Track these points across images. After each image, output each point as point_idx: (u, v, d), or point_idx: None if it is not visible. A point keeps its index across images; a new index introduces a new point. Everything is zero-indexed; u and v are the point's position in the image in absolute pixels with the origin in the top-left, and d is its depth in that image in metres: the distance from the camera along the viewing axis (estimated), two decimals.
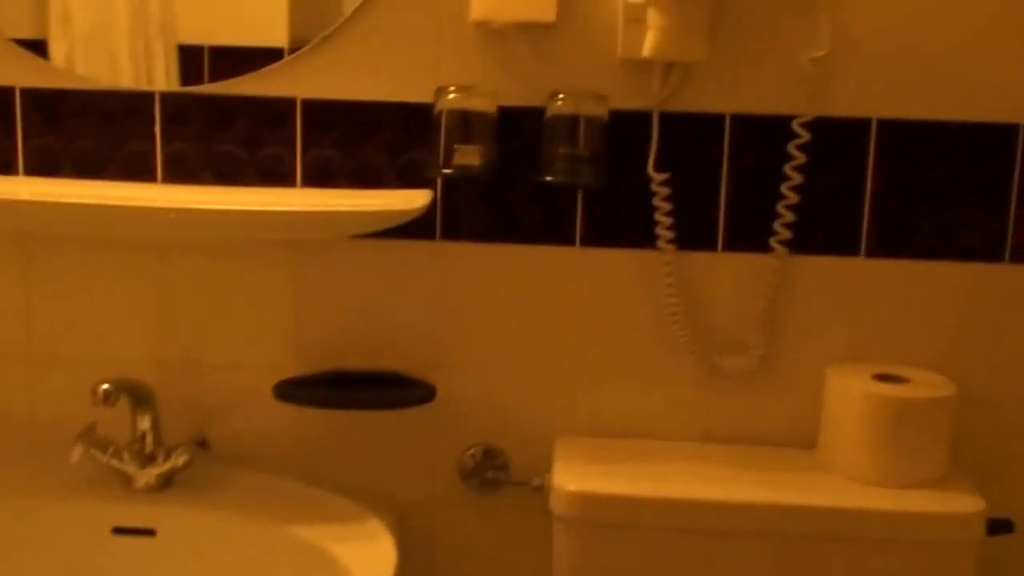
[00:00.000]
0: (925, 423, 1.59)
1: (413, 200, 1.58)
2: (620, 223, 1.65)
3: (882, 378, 1.62)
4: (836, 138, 1.61)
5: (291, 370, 1.69)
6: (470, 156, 1.59)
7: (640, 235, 1.65)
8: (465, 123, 1.59)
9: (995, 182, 1.62)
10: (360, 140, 1.63)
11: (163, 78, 1.63)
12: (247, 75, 1.62)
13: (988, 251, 1.64)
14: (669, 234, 1.64)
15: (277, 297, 1.69)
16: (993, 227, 1.63)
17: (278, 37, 1.62)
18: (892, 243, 1.64)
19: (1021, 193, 1.62)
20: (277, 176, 1.64)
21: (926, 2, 1.58)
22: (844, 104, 1.61)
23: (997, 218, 1.63)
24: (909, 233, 1.64)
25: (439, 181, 1.63)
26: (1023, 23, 1.58)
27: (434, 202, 1.63)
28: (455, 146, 1.59)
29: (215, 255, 1.68)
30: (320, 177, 1.64)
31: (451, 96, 1.58)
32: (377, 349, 1.69)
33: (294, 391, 1.67)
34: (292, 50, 1.61)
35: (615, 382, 1.70)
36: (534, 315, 1.68)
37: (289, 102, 1.63)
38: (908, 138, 1.61)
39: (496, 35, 1.59)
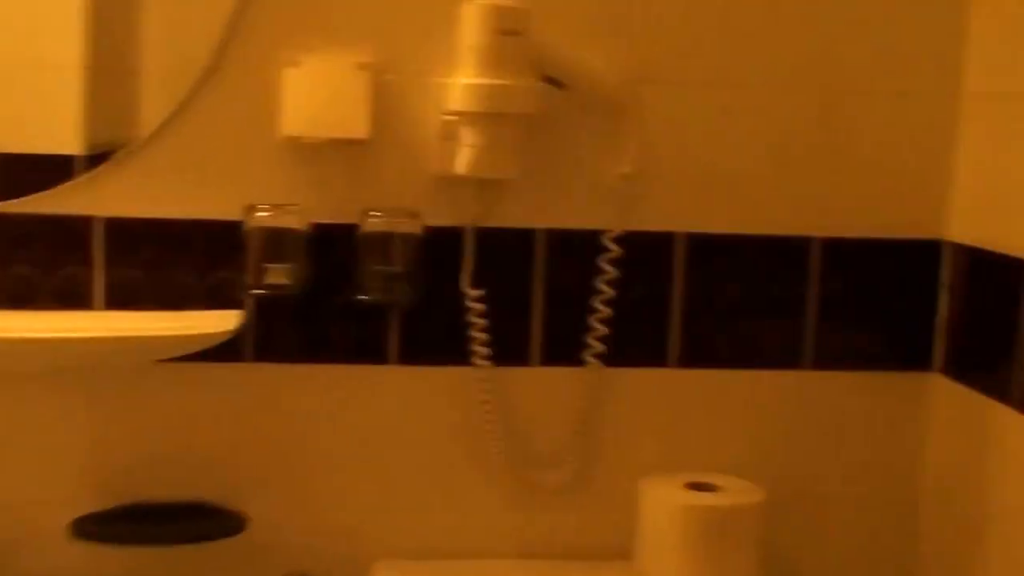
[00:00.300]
0: (736, 530, 1.62)
1: (223, 322, 1.52)
2: (435, 340, 1.63)
3: (694, 487, 1.64)
4: (644, 252, 1.65)
5: (90, 505, 1.58)
6: (281, 275, 1.55)
7: (455, 352, 1.63)
8: (276, 241, 1.55)
9: (793, 293, 1.69)
10: (166, 260, 1.57)
11: None
12: (42, 192, 1.53)
13: (789, 359, 1.70)
14: (484, 350, 1.63)
15: (73, 426, 1.59)
16: (792, 336, 1.69)
17: (71, 148, 1.54)
18: (700, 353, 1.68)
19: (820, 302, 1.69)
20: (76, 299, 1.56)
21: (725, 122, 1.64)
22: (651, 219, 1.65)
23: (796, 327, 1.69)
24: (715, 343, 1.68)
25: (250, 301, 1.58)
26: (813, 141, 1.66)
27: (245, 323, 1.57)
28: (266, 265, 1.55)
29: (3, 381, 1.57)
30: (124, 299, 1.56)
31: (261, 214, 1.54)
32: (183, 478, 1.61)
33: (93, 528, 1.56)
34: (88, 163, 1.54)
35: (432, 502, 1.66)
36: (349, 436, 1.64)
37: (88, 221, 1.55)
38: (712, 251, 1.66)
39: (309, 151, 1.57)
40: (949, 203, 1.69)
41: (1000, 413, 1.57)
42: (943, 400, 1.71)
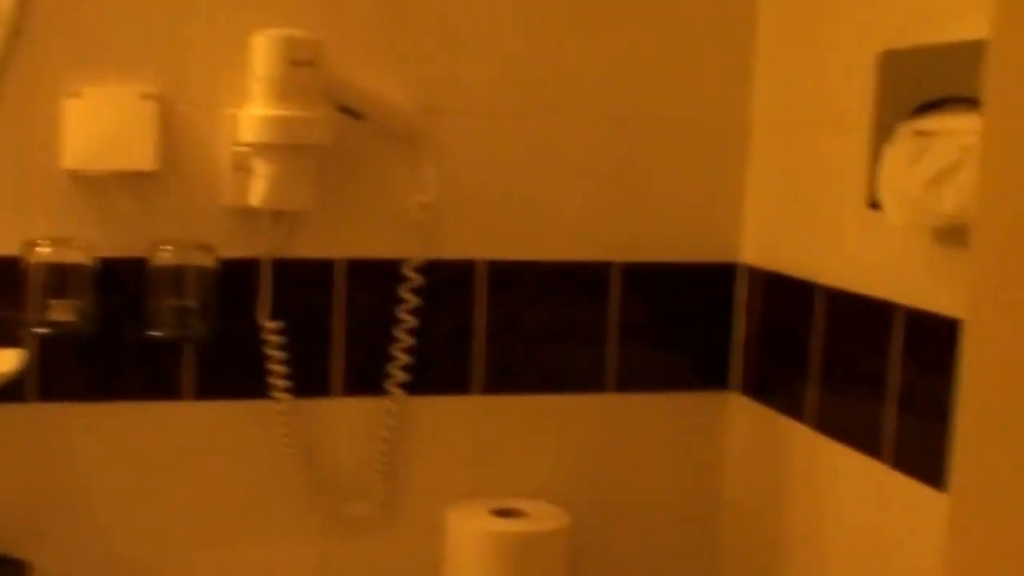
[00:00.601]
0: (543, 555, 1.62)
1: (2, 362, 1.45)
2: (232, 374, 1.59)
3: (500, 513, 1.64)
4: (446, 280, 1.64)
5: None
6: (66, 312, 1.48)
7: (254, 385, 1.59)
8: (60, 277, 1.48)
9: (594, 317, 1.70)
10: None
11: None
12: None
13: (592, 383, 1.71)
14: (284, 383, 1.59)
15: None
16: (595, 360, 1.71)
17: None
18: (504, 380, 1.68)
19: (621, 326, 1.70)
20: None
21: (524, 150, 1.64)
22: (453, 247, 1.64)
23: (598, 351, 1.71)
24: (519, 369, 1.68)
25: (32, 340, 1.51)
26: (611, 168, 1.68)
27: (27, 363, 1.49)
28: (49, 302, 1.48)
29: None
30: None
31: (42, 249, 1.47)
32: None
33: None
34: None
35: (235, 538, 1.62)
36: (144, 475, 1.58)
37: None
38: (513, 278, 1.66)
39: (94, 184, 1.50)
40: (743, 228, 1.73)
41: (795, 430, 1.61)
42: (741, 418, 1.74)
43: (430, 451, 1.67)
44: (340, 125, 1.53)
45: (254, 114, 1.49)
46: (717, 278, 1.73)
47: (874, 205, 1.33)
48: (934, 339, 1.33)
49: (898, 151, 1.23)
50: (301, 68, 1.47)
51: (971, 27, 1.26)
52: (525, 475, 1.70)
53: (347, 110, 1.54)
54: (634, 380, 1.72)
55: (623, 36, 1.66)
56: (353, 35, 1.56)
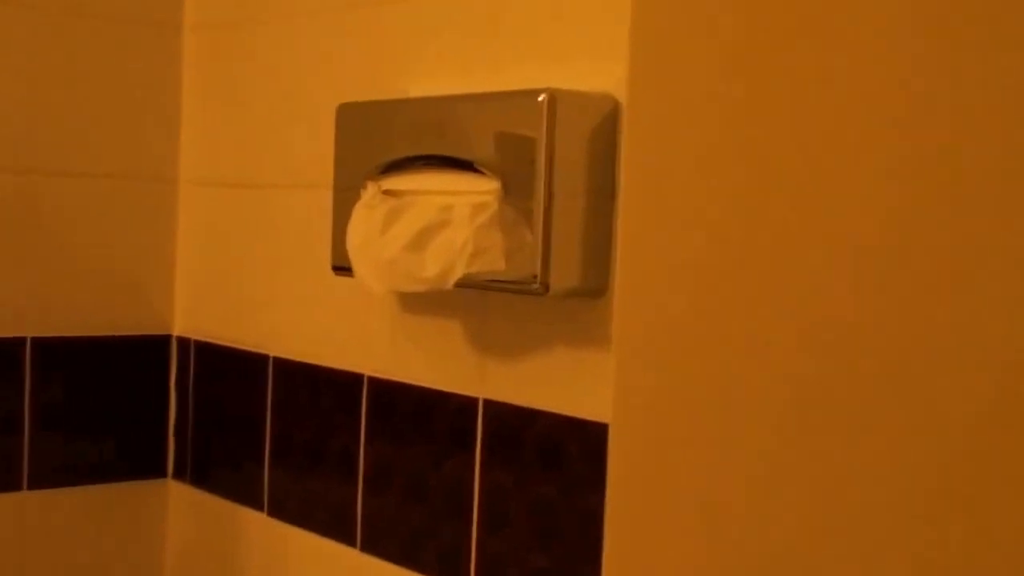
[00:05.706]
0: None
1: None
2: None
3: None
4: None
5: None
6: None
7: None
8: None
9: (5, 403, 1.46)
10: None
11: None
12: None
13: (5, 480, 1.46)
14: None
15: None
16: (8, 453, 1.46)
17: None
18: None
19: (37, 412, 1.47)
20: None
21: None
22: None
23: (11, 442, 1.46)
24: None
25: None
26: (16, 230, 1.45)
27: None
28: None
29: None
30: None
31: None
32: None
33: None
34: None
35: None
36: None
37: None
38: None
39: None
40: (177, 298, 1.56)
41: (249, 518, 1.46)
42: (183, 509, 1.57)
43: None
44: None
45: None
46: (149, 353, 1.55)
47: (338, 269, 1.23)
48: (404, 411, 1.26)
49: (369, 212, 1.14)
50: None
51: (427, 83, 1.21)
52: None
53: None
54: (56, 474, 1.50)
55: (27, 80, 1.44)
56: None
